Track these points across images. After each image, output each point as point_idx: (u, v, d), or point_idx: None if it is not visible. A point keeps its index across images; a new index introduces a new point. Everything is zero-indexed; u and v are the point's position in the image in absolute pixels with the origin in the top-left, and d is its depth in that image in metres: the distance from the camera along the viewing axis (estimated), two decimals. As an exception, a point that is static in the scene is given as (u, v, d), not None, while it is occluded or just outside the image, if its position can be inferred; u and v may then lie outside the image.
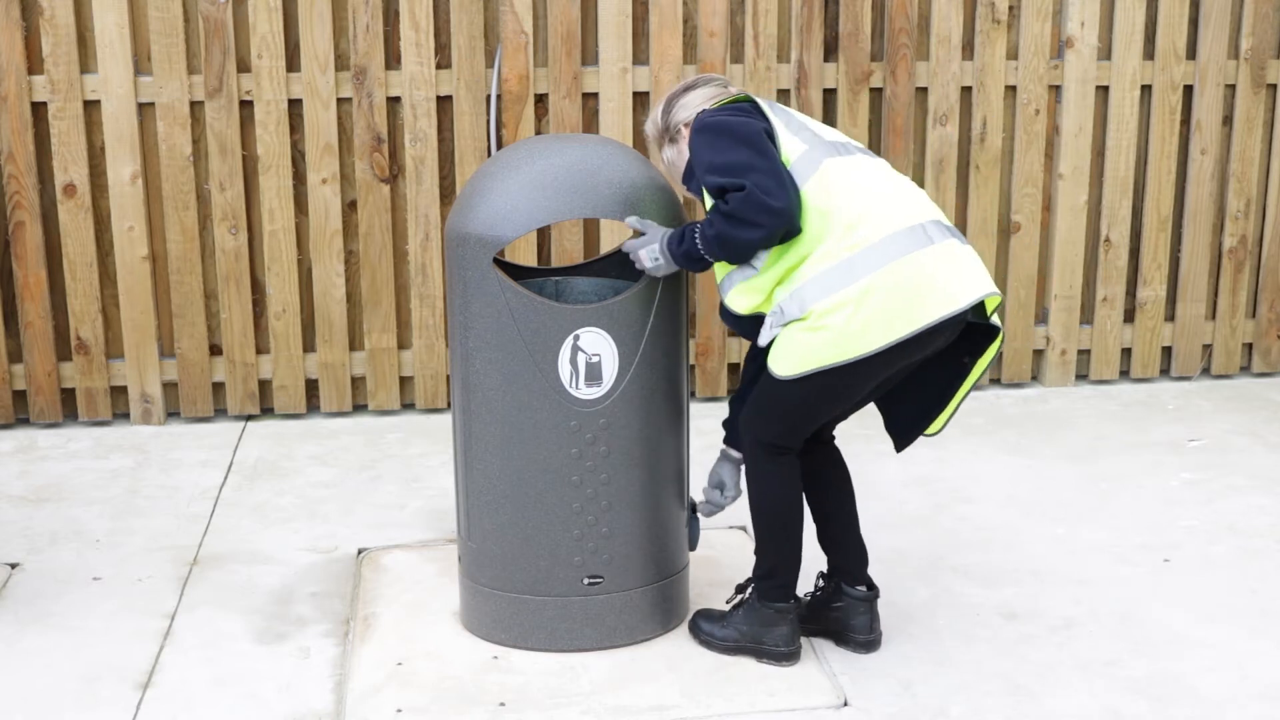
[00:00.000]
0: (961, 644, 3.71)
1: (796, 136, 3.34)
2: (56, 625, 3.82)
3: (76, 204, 5.15)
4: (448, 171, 5.34)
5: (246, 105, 5.19)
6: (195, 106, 5.17)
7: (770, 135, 3.31)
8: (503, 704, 3.41)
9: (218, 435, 5.24)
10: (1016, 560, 4.20)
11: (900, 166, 5.47)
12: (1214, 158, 5.73)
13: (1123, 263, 5.76)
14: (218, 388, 5.39)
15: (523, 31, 5.23)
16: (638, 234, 3.48)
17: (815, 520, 3.67)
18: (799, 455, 3.58)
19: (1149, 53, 5.64)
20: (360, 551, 4.27)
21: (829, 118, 5.45)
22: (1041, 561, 4.19)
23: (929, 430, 3.55)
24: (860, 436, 5.19)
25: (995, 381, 5.81)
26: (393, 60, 5.25)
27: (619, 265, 3.81)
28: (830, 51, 5.45)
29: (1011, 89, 5.57)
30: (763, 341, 3.38)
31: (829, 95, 5.45)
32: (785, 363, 3.32)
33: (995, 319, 3.44)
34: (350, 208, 5.33)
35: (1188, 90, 5.69)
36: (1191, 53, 5.66)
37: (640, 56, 5.35)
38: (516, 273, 3.72)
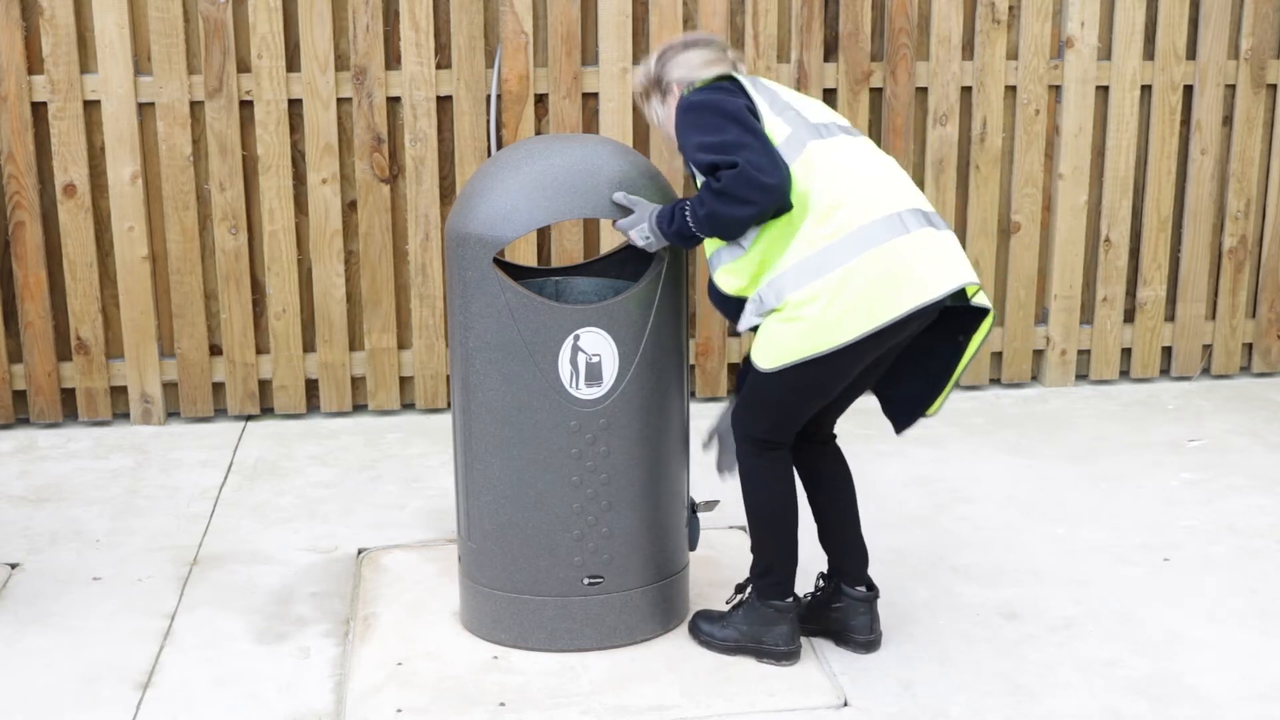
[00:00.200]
0: (961, 644, 3.71)
1: (780, 118, 3.33)
2: (56, 625, 3.82)
3: (76, 204, 5.15)
4: (448, 171, 5.34)
5: (246, 105, 5.19)
6: (195, 106, 5.17)
7: (754, 114, 3.31)
8: (503, 704, 3.41)
9: (218, 435, 5.24)
10: (1016, 560, 4.20)
11: (900, 166, 5.46)
12: (1214, 158, 5.73)
13: (1123, 263, 5.76)
14: (218, 388, 5.39)
15: (523, 31, 5.23)
16: (626, 211, 3.49)
17: (816, 519, 3.67)
18: (800, 455, 3.58)
19: (1149, 53, 5.64)
20: (360, 551, 4.27)
21: (829, 118, 5.44)
22: (1041, 561, 4.19)
23: (929, 410, 3.55)
24: (860, 436, 5.19)
25: (995, 381, 5.81)
26: (393, 60, 5.25)
27: (619, 265, 3.82)
28: (830, 51, 5.45)
29: (1011, 89, 5.58)
30: (742, 327, 3.41)
31: (829, 95, 5.45)
32: (765, 356, 3.34)
33: (981, 298, 3.43)
34: (350, 208, 5.34)
35: (1188, 90, 5.69)
36: (1191, 53, 5.66)
37: (640, 56, 5.35)
38: (516, 273, 3.72)
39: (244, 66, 5.16)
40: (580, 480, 3.54)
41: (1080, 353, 5.83)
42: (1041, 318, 5.80)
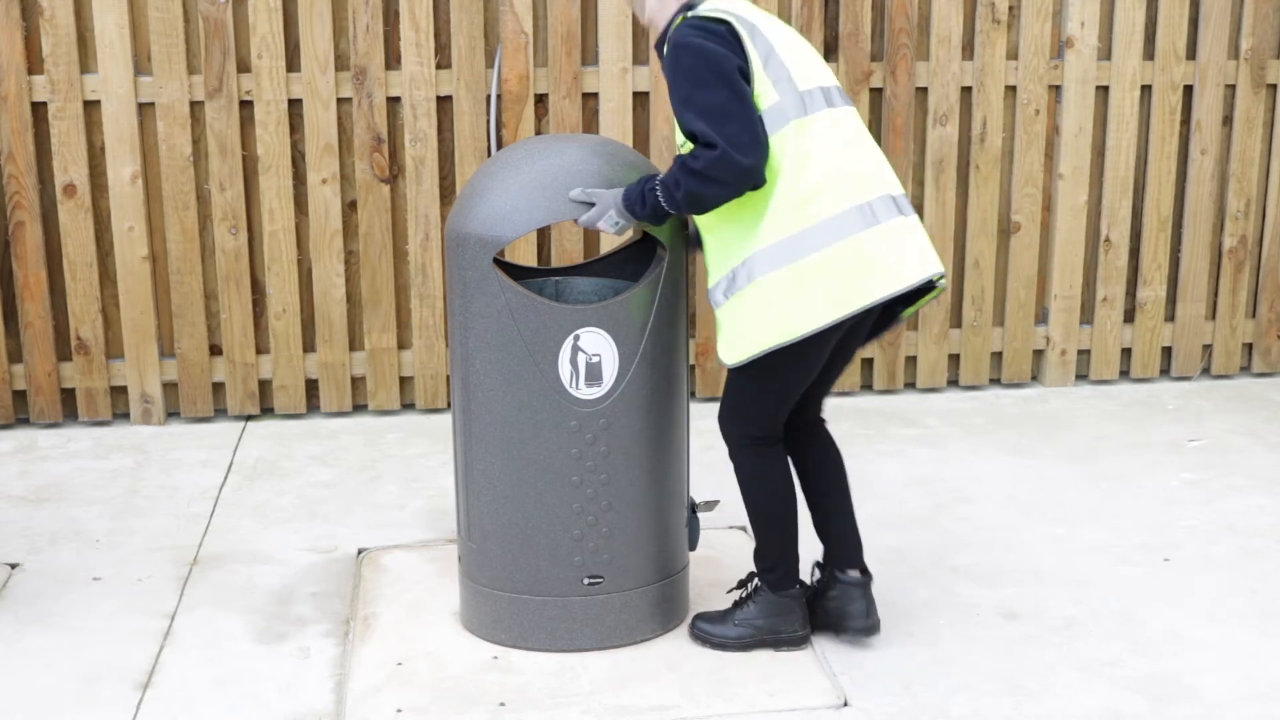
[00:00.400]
0: (961, 644, 3.71)
1: (770, 79, 3.31)
2: (56, 625, 3.82)
3: (76, 204, 5.15)
4: (448, 171, 5.34)
5: (246, 105, 5.19)
6: (195, 106, 5.17)
7: (745, 75, 3.29)
8: (503, 704, 3.41)
9: (218, 435, 5.24)
10: (1016, 560, 4.20)
11: (900, 166, 5.48)
12: (1214, 158, 5.73)
13: (1123, 263, 5.76)
14: (218, 388, 5.39)
15: (523, 31, 5.23)
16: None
17: (809, 507, 3.68)
18: (791, 444, 3.59)
19: (1149, 53, 5.64)
20: (360, 551, 4.27)
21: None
22: (1041, 561, 4.19)
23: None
24: (861, 437, 5.19)
25: (995, 381, 5.81)
26: (393, 60, 5.25)
27: (619, 265, 3.82)
28: (830, 51, 5.45)
29: (1011, 89, 5.57)
30: (712, 291, 3.41)
31: (829, 95, 5.45)
32: (733, 350, 3.38)
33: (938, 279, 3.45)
34: (350, 208, 5.34)
35: (1188, 90, 5.69)
36: (1191, 53, 5.66)
37: (640, 56, 5.35)
38: (516, 273, 3.72)
39: (244, 66, 5.16)
40: (580, 480, 3.54)
41: (1080, 353, 5.83)
42: (1041, 318, 5.80)
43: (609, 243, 5.37)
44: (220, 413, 5.43)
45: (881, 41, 5.47)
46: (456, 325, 3.57)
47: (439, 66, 5.26)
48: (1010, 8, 5.53)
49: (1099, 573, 4.12)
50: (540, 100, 5.35)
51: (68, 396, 5.34)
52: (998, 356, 5.79)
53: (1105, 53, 5.61)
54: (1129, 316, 5.85)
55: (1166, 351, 5.91)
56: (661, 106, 5.32)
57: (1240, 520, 4.49)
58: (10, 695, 3.48)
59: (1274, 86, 5.73)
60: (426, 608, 3.87)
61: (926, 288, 3.45)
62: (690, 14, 3.37)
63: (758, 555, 3.62)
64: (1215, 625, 3.82)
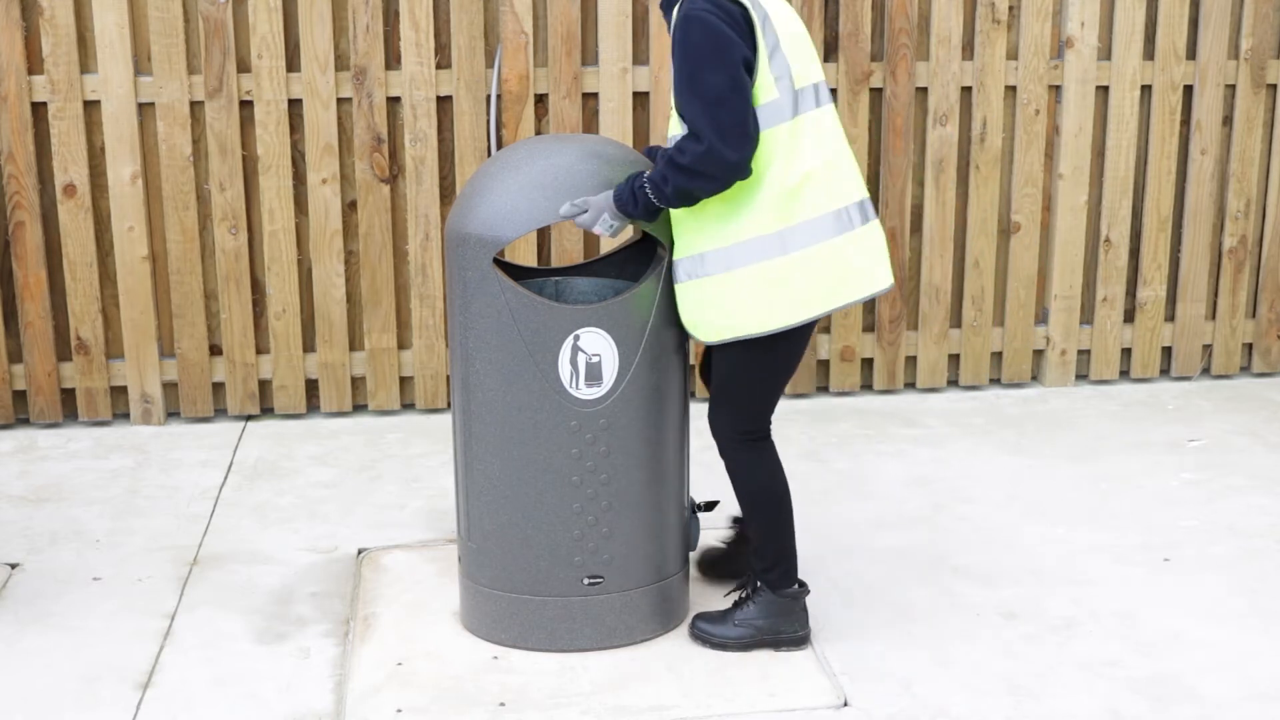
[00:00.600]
0: (961, 644, 3.71)
1: (773, 77, 3.33)
2: (56, 625, 3.82)
3: (76, 204, 5.15)
4: (448, 171, 5.34)
5: (246, 105, 5.19)
6: (195, 106, 5.17)
7: (749, 67, 3.30)
8: (503, 704, 3.41)
9: (218, 435, 5.24)
10: (1016, 560, 4.20)
11: (900, 166, 5.48)
12: (1214, 158, 5.73)
13: (1123, 263, 5.76)
14: (218, 388, 5.39)
15: (523, 31, 5.23)
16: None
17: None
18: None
19: (1149, 53, 5.64)
20: (360, 551, 4.27)
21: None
22: (1041, 561, 4.19)
23: None
24: (860, 437, 5.19)
25: (995, 381, 5.81)
26: (393, 60, 5.25)
27: (619, 265, 3.82)
28: (830, 51, 5.45)
29: (1011, 89, 5.57)
30: (675, 265, 3.47)
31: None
32: (708, 328, 3.45)
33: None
34: (350, 208, 5.33)
35: (1188, 90, 5.69)
36: (1191, 53, 5.66)
37: (640, 56, 5.35)
38: (516, 273, 3.72)
39: (244, 66, 5.16)
40: (580, 480, 3.54)
41: (1080, 353, 5.83)
42: (1041, 318, 5.80)
43: (609, 243, 5.38)
44: (220, 413, 5.43)
45: (881, 41, 5.47)
46: (456, 325, 3.57)
47: (439, 66, 5.26)
48: (1010, 8, 5.52)
49: (1099, 573, 4.12)
50: (540, 100, 5.35)
51: (68, 396, 5.34)
52: (998, 356, 5.79)
53: (1105, 53, 5.61)
54: (1129, 316, 5.84)
55: (1166, 351, 5.90)
56: (662, 107, 5.32)
57: (1240, 520, 4.49)
58: (10, 695, 3.48)
59: (1274, 86, 5.73)
60: (426, 608, 3.87)
61: None
62: None
63: (756, 554, 3.63)
64: (1215, 625, 3.82)
